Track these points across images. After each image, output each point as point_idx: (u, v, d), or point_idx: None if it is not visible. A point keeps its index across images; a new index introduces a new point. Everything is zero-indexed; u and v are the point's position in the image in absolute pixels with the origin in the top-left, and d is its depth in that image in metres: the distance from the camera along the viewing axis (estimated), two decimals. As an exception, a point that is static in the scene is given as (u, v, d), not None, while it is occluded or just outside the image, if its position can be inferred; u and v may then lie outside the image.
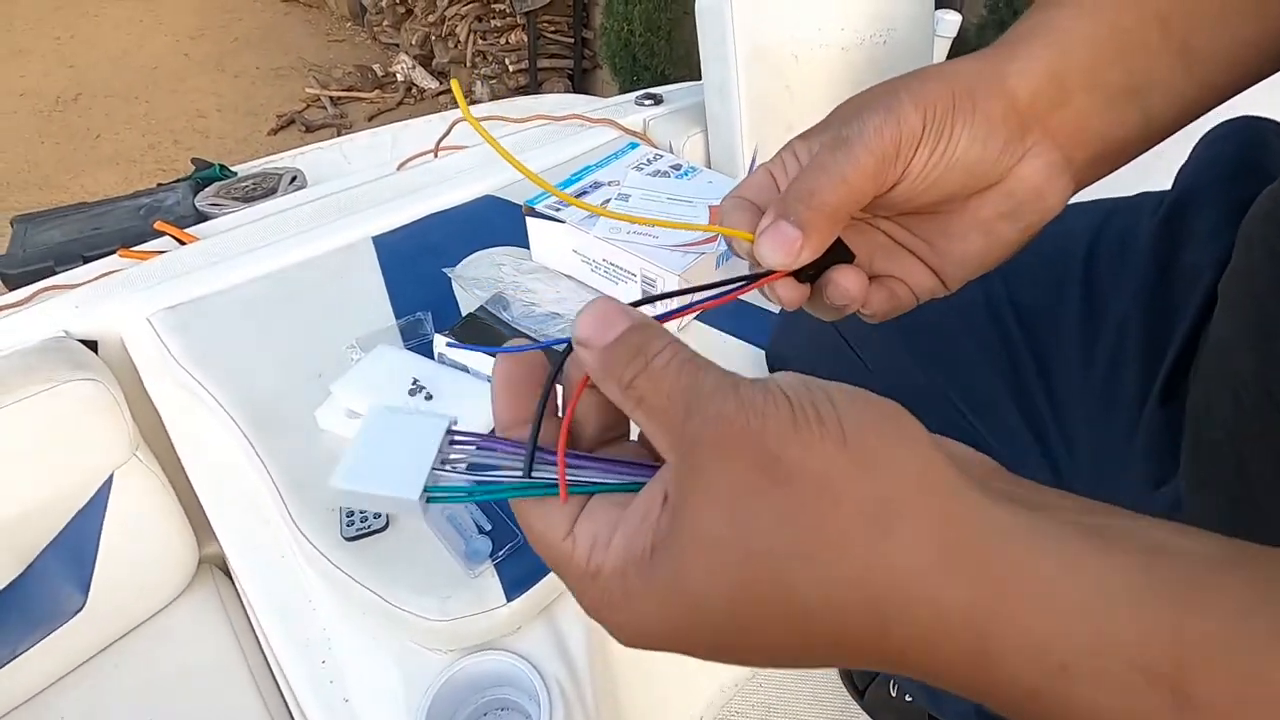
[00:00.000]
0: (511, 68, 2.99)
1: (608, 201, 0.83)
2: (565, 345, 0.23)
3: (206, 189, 1.14)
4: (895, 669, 0.19)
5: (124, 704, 0.73)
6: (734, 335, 0.81)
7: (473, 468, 0.23)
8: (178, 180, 1.20)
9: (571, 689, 0.60)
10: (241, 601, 0.80)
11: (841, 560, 0.18)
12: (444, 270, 0.86)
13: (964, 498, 0.19)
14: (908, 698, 0.83)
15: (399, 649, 0.61)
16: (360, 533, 0.61)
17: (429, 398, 0.68)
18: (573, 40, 3.01)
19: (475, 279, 0.84)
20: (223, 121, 3.10)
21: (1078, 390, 0.46)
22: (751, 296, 0.92)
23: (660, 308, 0.26)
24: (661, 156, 0.95)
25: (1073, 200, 0.51)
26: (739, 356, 0.79)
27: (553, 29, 2.99)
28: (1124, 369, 0.43)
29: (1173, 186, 0.44)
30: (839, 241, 0.29)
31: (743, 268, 0.30)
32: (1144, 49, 0.29)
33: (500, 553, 0.60)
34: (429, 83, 3.32)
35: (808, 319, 0.68)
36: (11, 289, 0.89)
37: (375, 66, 3.43)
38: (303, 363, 0.76)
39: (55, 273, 0.92)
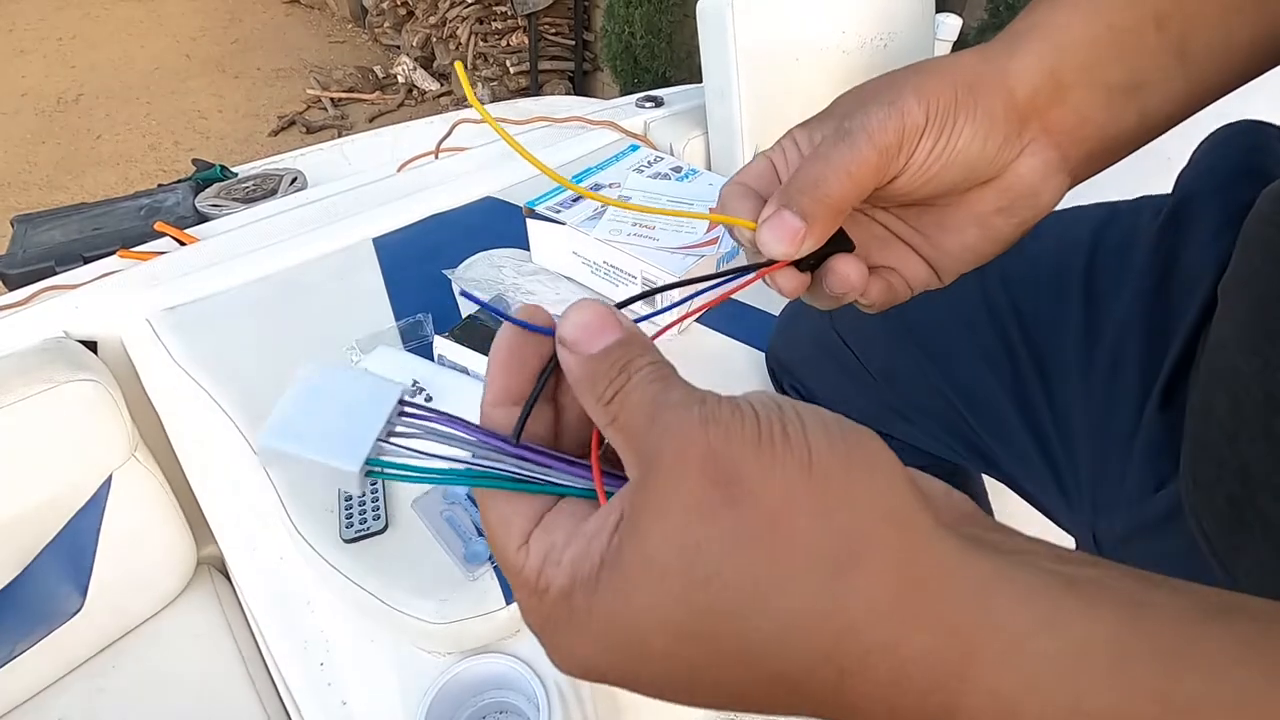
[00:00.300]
0: (512, 70, 2.99)
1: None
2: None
3: (207, 190, 1.14)
4: None
5: (122, 704, 0.73)
6: (733, 338, 0.81)
7: (424, 444, 0.20)
8: (178, 181, 1.20)
9: (570, 692, 0.60)
10: (240, 603, 0.80)
11: (795, 599, 0.17)
12: (444, 272, 0.86)
13: (932, 539, 0.17)
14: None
15: (397, 651, 0.61)
16: (359, 534, 0.61)
17: (429, 399, 0.68)
18: (574, 42, 3.02)
19: (475, 281, 0.84)
20: (223, 122, 3.10)
21: (1078, 392, 0.46)
22: (751, 299, 0.92)
23: (663, 299, 0.26)
24: (662, 159, 0.95)
25: (1074, 204, 0.51)
26: (739, 359, 0.79)
27: (554, 31, 2.99)
28: (1124, 371, 0.43)
29: (1173, 190, 0.44)
30: (840, 231, 0.29)
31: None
32: (1141, 48, 0.29)
33: (499, 555, 0.60)
34: (430, 84, 3.33)
35: (807, 322, 0.68)
36: (11, 289, 0.89)
37: (376, 68, 3.43)
38: (302, 364, 0.76)
39: (55, 273, 0.92)
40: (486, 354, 0.75)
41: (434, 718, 0.57)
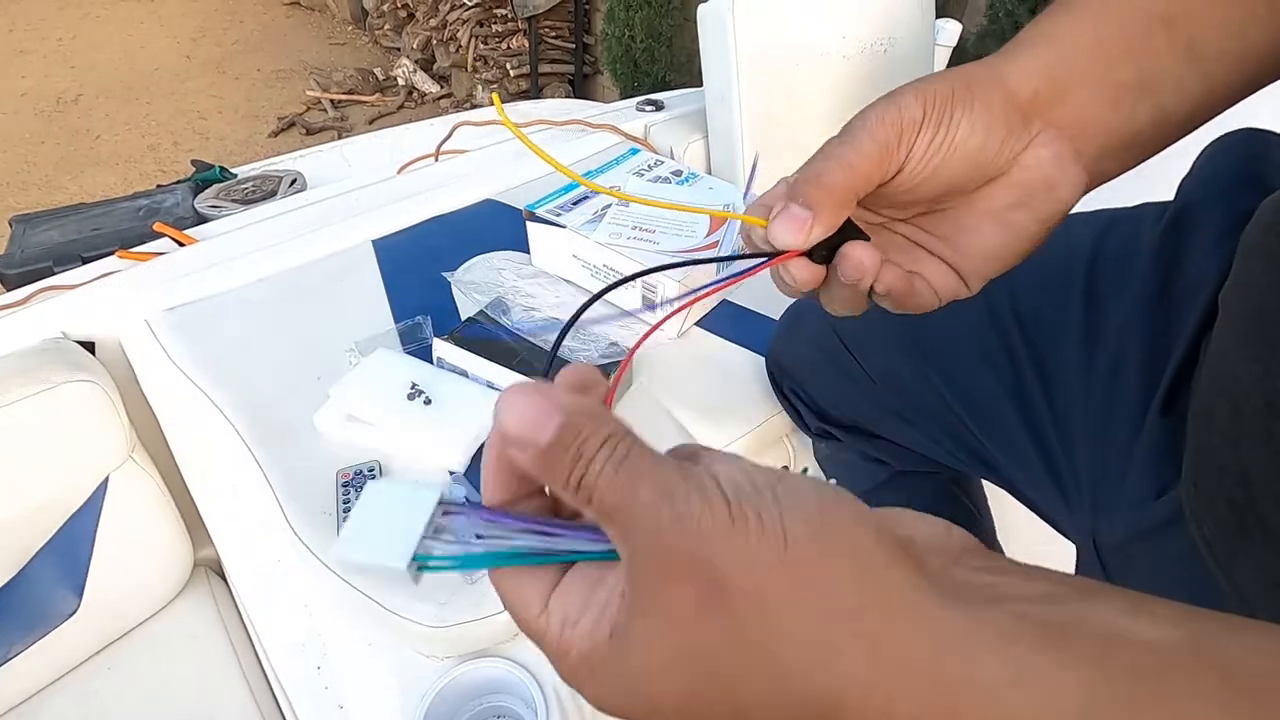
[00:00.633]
0: (513, 72, 3.00)
1: (608, 207, 0.83)
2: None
3: (206, 191, 1.14)
4: None
5: (117, 707, 0.73)
6: (734, 341, 0.81)
7: (460, 535, 0.23)
8: (177, 182, 1.20)
9: (568, 696, 0.59)
10: (236, 605, 0.79)
11: (785, 682, 0.18)
12: (444, 275, 0.86)
13: (909, 605, 0.18)
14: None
15: (395, 655, 0.61)
16: (357, 537, 0.61)
17: (428, 402, 0.68)
18: (574, 45, 3.02)
19: (475, 283, 0.84)
20: (223, 123, 3.10)
21: (1079, 399, 0.46)
22: (752, 303, 0.92)
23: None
24: (662, 162, 0.95)
25: (1075, 210, 0.51)
26: (739, 362, 0.79)
27: (554, 34, 3.00)
28: (1125, 378, 0.43)
29: (1175, 197, 0.44)
30: (850, 223, 0.29)
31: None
32: (1149, 49, 0.30)
33: (498, 558, 0.60)
34: (430, 86, 3.33)
35: (807, 325, 0.68)
36: (10, 289, 0.89)
37: (376, 70, 3.44)
38: (301, 366, 0.75)
39: (54, 273, 0.92)
40: (486, 357, 0.76)
41: (431, 722, 0.56)
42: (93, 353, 0.79)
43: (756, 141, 1.02)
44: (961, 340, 0.52)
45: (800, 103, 1.03)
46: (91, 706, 0.73)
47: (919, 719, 0.17)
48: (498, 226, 0.94)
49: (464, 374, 0.72)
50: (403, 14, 3.49)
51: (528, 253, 0.87)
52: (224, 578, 0.83)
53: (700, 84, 1.06)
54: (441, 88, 3.33)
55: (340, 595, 0.60)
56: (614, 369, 0.70)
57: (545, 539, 0.22)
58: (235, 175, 1.22)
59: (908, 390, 0.56)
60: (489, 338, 0.73)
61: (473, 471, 0.67)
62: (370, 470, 0.66)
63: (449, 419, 0.67)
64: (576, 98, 2.83)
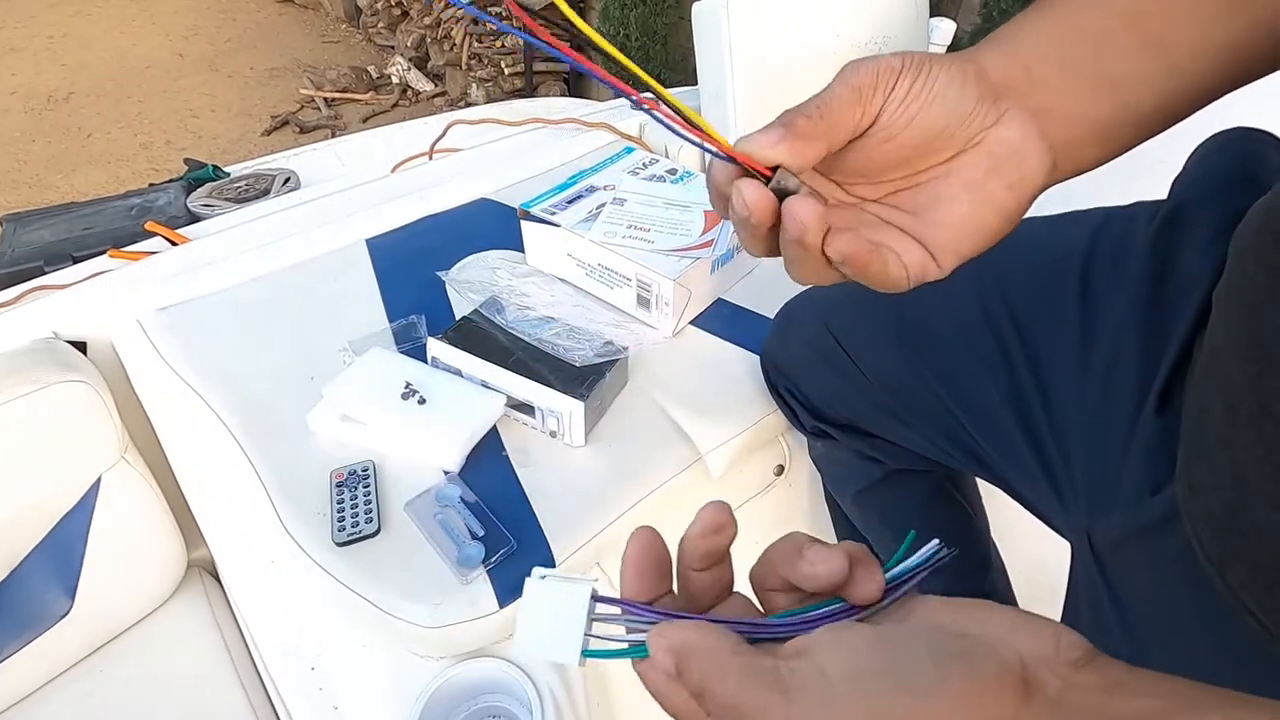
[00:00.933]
0: (507, 70, 2.99)
1: (602, 206, 0.83)
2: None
3: (199, 190, 1.13)
4: None
5: (110, 709, 0.72)
6: (728, 340, 0.81)
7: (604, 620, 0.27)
8: (170, 180, 1.19)
9: (564, 696, 0.59)
10: (230, 606, 0.79)
11: None
12: (438, 274, 0.85)
13: None
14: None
15: (390, 655, 0.61)
16: (351, 537, 0.61)
17: (422, 401, 0.67)
18: (569, 44, 3.01)
19: (469, 282, 0.83)
20: (216, 122, 3.09)
21: (1074, 397, 0.46)
22: (746, 301, 0.92)
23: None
24: (657, 161, 0.95)
25: (1070, 208, 0.51)
26: (733, 361, 0.79)
27: (549, 33, 2.99)
28: (1120, 376, 0.43)
29: (1169, 196, 0.45)
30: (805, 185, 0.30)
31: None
32: (1112, 44, 0.30)
33: (493, 559, 0.60)
34: (424, 85, 3.32)
35: (802, 324, 0.68)
36: (0, 289, 0.88)
37: (370, 68, 3.43)
38: (295, 366, 0.75)
39: (45, 273, 0.91)
40: (480, 356, 0.75)
41: (426, 722, 0.56)
42: (84, 353, 0.78)
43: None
44: (957, 339, 0.52)
45: (795, 100, 1.03)
46: (85, 708, 0.72)
47: None
48: (492, 225, 0.94)
49: (458, 373, 0.72)
50: (396, 12, 3.48)
51: (522, 251, 0.87)
52: (218, 578, 0.83)
53: (695, 82, 1.06)
54: (436, 86, 3.32)
55: (334, 596, 0.60)
56: (617, 375, 0.70)
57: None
58: (228, 174, 1.21)
59: (903, 390, 0.57)
60: (483, 337, 0.73)
61: (467, 471, 0.66)
62: (364, 470, 0.65)
63: (443, 418, 0.67)
64: (571, 96, 2.83)
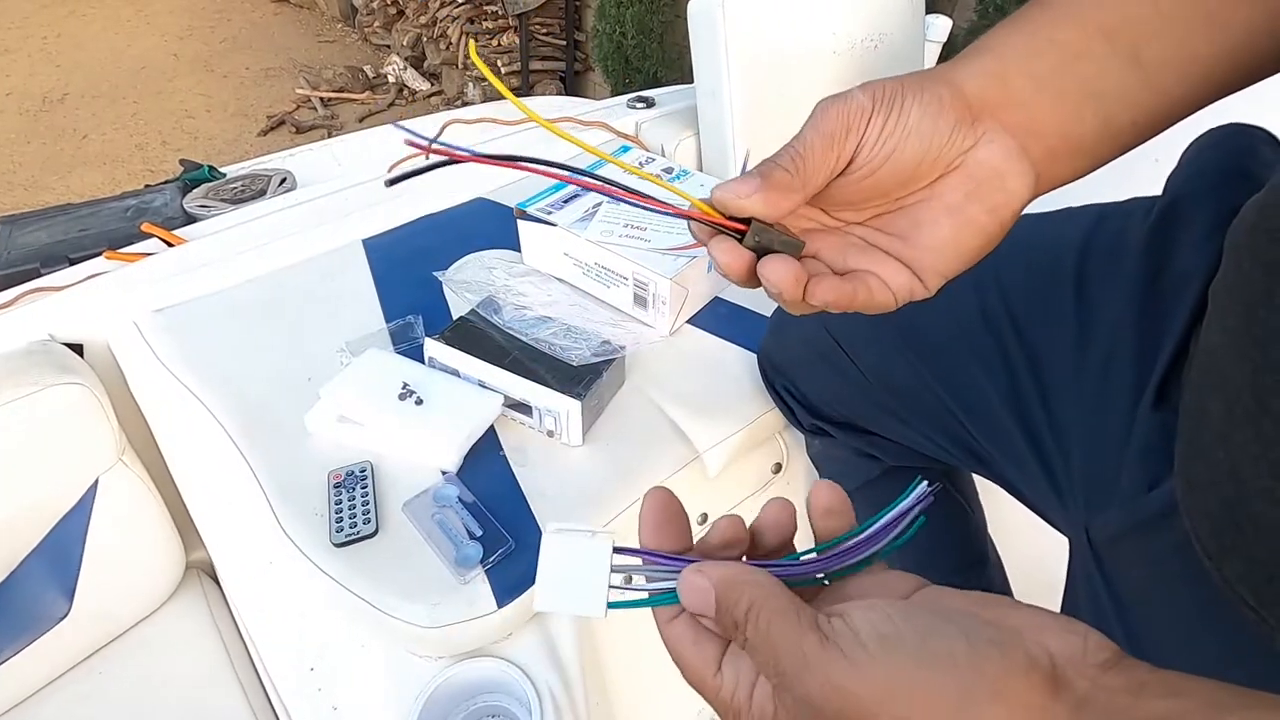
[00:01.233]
0: (504, 69, 2.98)
1: (599, 205, 0.83)
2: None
3: (195, 190, 1.13)
4: None
5: (109, 711, 0.72)
6: (725, 339, 0.81)
7: (631, 573, 0.27)
8: (166, 181, 1.19)
9: (563, 695, 0.59)
10: (229, 608, 0.79)
11: None
12: (435, 274, 0.85)
13: None
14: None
15: (389, 656, 0.61)
16: (349, 538, 0.61)
17: (419, 402, 0.67)
18: (565, 42, 3.01)
19: (466, 282, 0.83)
20: (211, 122, 3.08)
21: (1072, 394, 0.46)
22: (743, 300, 0.92)
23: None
24: (654, 160, 0.95)
25: (1064, 205, 0.51)
26: (731, 360, 0.79)
27: (545, 31, 2.99)
28: (1117, 372, 0.43)
29: (1163, 192, 0.45)
30: (782, 234, 0.31)
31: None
32: (1089, 59, 0.31)
33: (491, 558, 0.60)
34: (420, 84, 3.31)
35: (799, 323, 0.68)
36: (-4, 291, 0.88)
37: (366, 68, 3.42)
38: (292, 367, 0.75)
39: (41, 275, 0.91)
40: (477, 356, 0.75)
41: (426, 722, 0.56)
42: (81, 355, 0.78)
43: (747, 138, 1.02)
44: (955, 338, 0.52)
45: (791, 99, 1.03)
46: (84, 711, 0.72)
47: None
48: (489, 225, 0.94)
49: (456, 373, 0.72)
50: (392, 11, 3.48)
51: (519, 251, 0.87)
52: (216, 580, 0.83)
53: (692, 80, 1.06)
54: (432, 85, 3.32)
55: (333, 597, 0.60)
56: (614, 374, 0.70)
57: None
58: (224, 174, 1.21)
59: (902, 388, 0.57)
60: (481, 337, 0.73)
61: (464, 471, 0.66)
62: (362, 471, 0.65)
63: (441, 419, 0.67)
64: (568, 95, 2.83)
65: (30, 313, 0.80)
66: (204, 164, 1.23)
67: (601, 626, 0.67)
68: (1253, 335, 0.30)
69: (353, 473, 0.65)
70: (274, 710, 0.70)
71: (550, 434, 0.70)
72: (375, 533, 0.61)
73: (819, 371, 0.65)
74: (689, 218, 0.30)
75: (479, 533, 0.61)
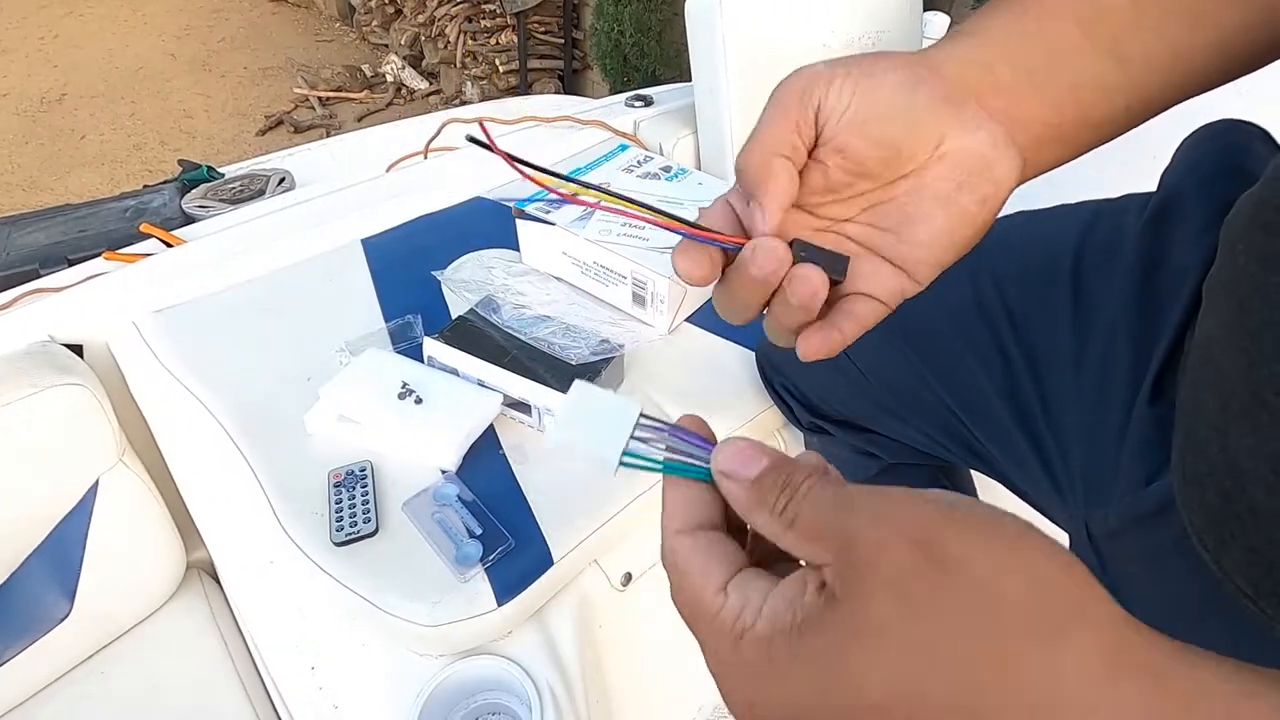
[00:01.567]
0: (502, 68, 2.98)
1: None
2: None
3: (193, 191, 1.13)
4: None
5: (111, 711, 0.72)
6: (724, 336, 0.81)
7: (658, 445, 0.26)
8: (164, 182, 1.19)
9: (563, 692, 0.60)
10: (230, 607, 0.79)
11: (1008, 662, 0.18)
12: (434, 273, 0.85)
13: (1125, 618, 0.19)
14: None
15: (389, 654, 0.61)
16: (349, 537, 0.61)
17: (419, 401, 0.67)
18: (563, 41, 3.01)
19: (465, 282, 0.83)
20: (210, 122, 3.08)
21: (1069, 390, 0.46)
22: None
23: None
24: (652, 158, 0.95)
25: (1059, 202, 0.51)
26: (729, 358, 0.79)
27: (543, 30, 2.98)
28: (1114, 368, 0.43)
29: (1157, 188, 0.45)
30: (836, 255, 0.30)
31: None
32: (1067, 49, 0.30)
33: (491, 557, 0.60)
34: (419, 83, 3.31)
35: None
36: (-5, 292, 0.88)
37: (364, 67, 3.42)
38: (291, 366, 0.75)
39: (40, 276, 0.91)
40: (476, 355, 0.75)
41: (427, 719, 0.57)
42: (81, 356, 0.78)
43: (746, 136, 1.02)
44: (953, 336, 0.52)
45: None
46: (85, 711, 0.72)
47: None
48: (487, 224, 0.94)
49: (455, 373, 0.72)
50: (390, 10, 3.47)
51: (518, 250, 0.87)
52: (217, 580, 0.83)
53: (690, 79, 1.06)
54: (430, 84, 3.32)
55: (333, 596, 0.60)
56: (613, 372, 0.70)
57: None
58: (223, 175, 1.21)
59: (900, 385, 0.57)
60: (480, 336, 0.73)
61: (464, 470, 0.67)
62: (362, 470, 0.65)
63: (440, 418, 0.67)
64: (566, 94, 2.83)
65: (30, 314, 0.80)
66: (202, 164, 1.23)
67: (600, 624, 0.67)
68: (1248, 328, 0.31)
69: (352, 472, 0.65)
70: (275, 709, 0.71)
71: (549, 432, 0.70)
72: (375, 532, 0.61)
73: (817, 369, 0.65)
74: (695, 235, 0.29)
75: (478, 531, 0.61)
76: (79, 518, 0.72)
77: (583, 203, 0.29)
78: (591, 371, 0.69)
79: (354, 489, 0.64)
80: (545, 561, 0.61)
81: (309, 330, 0.80)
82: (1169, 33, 0.30)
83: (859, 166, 0.30)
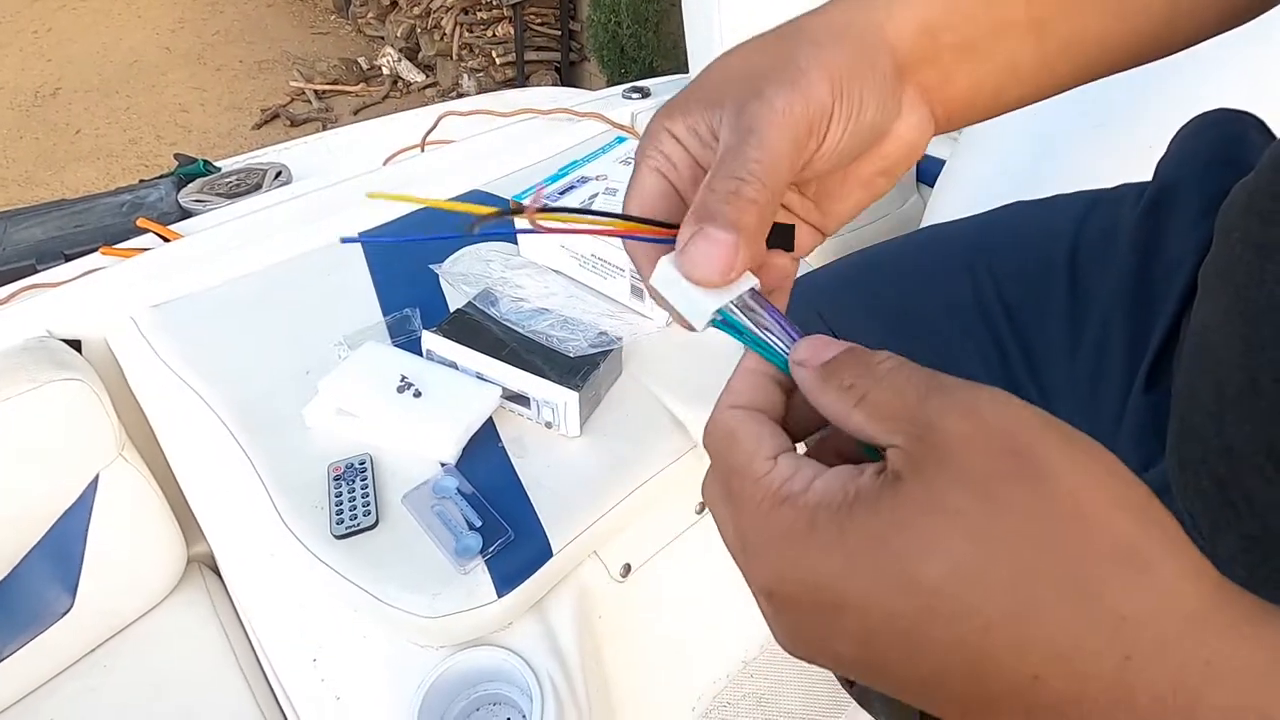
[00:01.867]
0: (498, 60, 2.97)
1: (595, 196, 0.83)
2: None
3: (190, 185, 1.13)
4: None
5: (114, 705, 0.73)
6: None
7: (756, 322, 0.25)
8: (160, 176, 1.18)
9: (563, 682, 0.60)
10: (231, 600, 0.80)
11: (1089, 579, 0.17)
12: (431, 267, 0.85)
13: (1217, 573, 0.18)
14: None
15: (390, 646, 0.61)
16: (350, 530, 0.61)
17: (417, 394, 0.68)
18: (560, 33, 3.00)
19: (463, 275, 0.83)
20: (205, 116, 3.07)
21: (1065, 379, 0.46)
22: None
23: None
24: (649, 150, 0.95)
25: (1056, 192, 0.51)
26: (725, 347, 0.79)
27: (540, 21, 2.97)
28: (1110, 356, 0.44)
29: (1153, 178, 0.45)
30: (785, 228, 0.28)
31: None
32: (1009, 23, 0.29)
33: (491, 549, 0.60)
34: (415, 76, 3.30)
35: (795, 312, 0.68)
36: (-8, 288, 0.88)
37: (360, 59, 3.40)
38: (290, 360, 0.75)
39: (36, 271, 0.91)
40: (475, 348, 0.75)
41: (428, 710, 0.57)
42: (79, 351, 0.78)
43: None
44: (948, 326, 0.52)
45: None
46: (88, 704, 0.73)
47: (1240, 660, 0.16)
48: (485, 217, 0.94)
49: (453, 366, 0.72)
50: (386, 2, 3.45)
51: (516, 243, 0.87)
52: (218, 573, 0.83)
53: (688, 70, 1.05)
54: (427, 77, 3.30)
55: (334, 588, 0.60)
56: (611, 365, 0.71)
57: None
58: (219, 169, 1.20)
59: None
60: (478, 329, 0.73)
61: (463, 463, 0.67)
62: (361, 463, 0.66)
63: (439, 411, 0.67)
64: (563, 85, 2.81)
65: (27, 309, 0.80)
66: (198, 158, 1.23)
67: (600, 615, 0.68)
68: (1243, 315, 0.31)
69: (352, 465, 0.65)
70: (278, 701, 0.71)
71: (548, 425, 0.70)
72: (375, 524, 0.62)
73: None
74: (622, 235, 0.26)
75: (478, 523, 0.61)
76: (79, 513, 0.72)
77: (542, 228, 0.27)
78: (590, 364, 0.70)
79: (354, 482, 0.64)
80: (545, 553, 0.61)
81: (307, 324, 0.80)
82: (1089, 17, 0.29)
83: (812, 176, 0.28)
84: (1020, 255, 0.50)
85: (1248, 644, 0.17)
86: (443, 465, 0.66)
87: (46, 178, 2.70)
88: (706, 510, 0.76)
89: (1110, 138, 0.75)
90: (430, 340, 0.72)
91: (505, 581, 0.59)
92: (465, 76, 3.07)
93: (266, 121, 3.01)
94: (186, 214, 1.05)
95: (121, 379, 0.79)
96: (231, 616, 0.79)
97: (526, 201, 0.26)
